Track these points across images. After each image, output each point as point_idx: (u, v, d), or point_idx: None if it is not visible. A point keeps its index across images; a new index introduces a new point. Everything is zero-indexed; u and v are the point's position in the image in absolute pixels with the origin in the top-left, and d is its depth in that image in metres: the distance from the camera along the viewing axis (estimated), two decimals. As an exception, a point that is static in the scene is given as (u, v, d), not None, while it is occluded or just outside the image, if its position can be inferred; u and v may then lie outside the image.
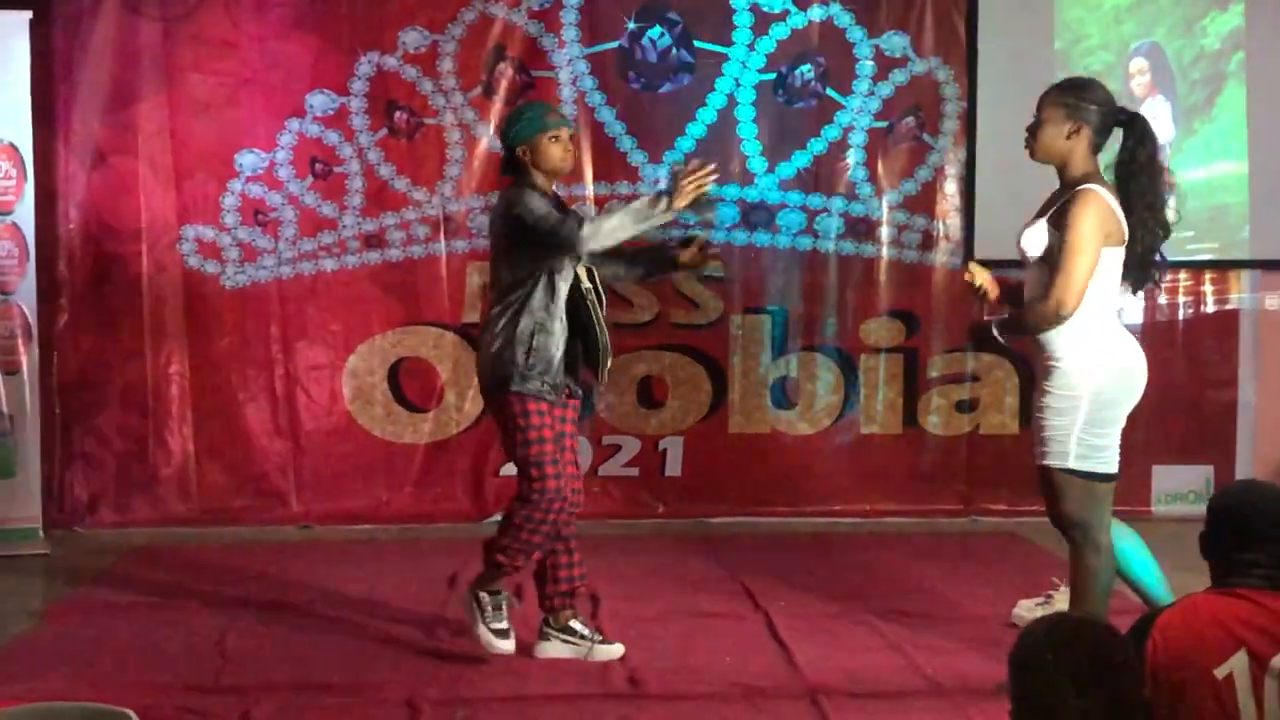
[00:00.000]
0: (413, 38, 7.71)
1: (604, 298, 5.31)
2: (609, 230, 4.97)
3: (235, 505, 7.80)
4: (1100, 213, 4.63)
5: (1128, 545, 5.12)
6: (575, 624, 5.35)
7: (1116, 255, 4.71)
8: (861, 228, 7.96)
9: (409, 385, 7.89)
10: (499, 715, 4.78)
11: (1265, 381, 8.01)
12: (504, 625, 5.22)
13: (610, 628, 5.68)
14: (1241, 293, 7.97)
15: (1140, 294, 5.15)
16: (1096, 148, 4.78)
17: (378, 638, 5.63)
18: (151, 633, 5.72)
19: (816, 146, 7.90)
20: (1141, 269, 4.88)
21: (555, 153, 5.15)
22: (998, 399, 8.05)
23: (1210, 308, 7.99)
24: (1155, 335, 7.77)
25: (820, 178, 7.92)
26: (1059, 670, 2.53)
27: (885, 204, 7.94)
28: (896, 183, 7.93)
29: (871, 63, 7.86)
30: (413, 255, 7.82)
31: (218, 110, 7.69)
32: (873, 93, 7.88)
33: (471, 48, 7.74)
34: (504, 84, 7.78)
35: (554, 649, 5.33)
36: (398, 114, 7.74)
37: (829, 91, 7.88)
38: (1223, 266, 7.93)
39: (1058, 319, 4.64)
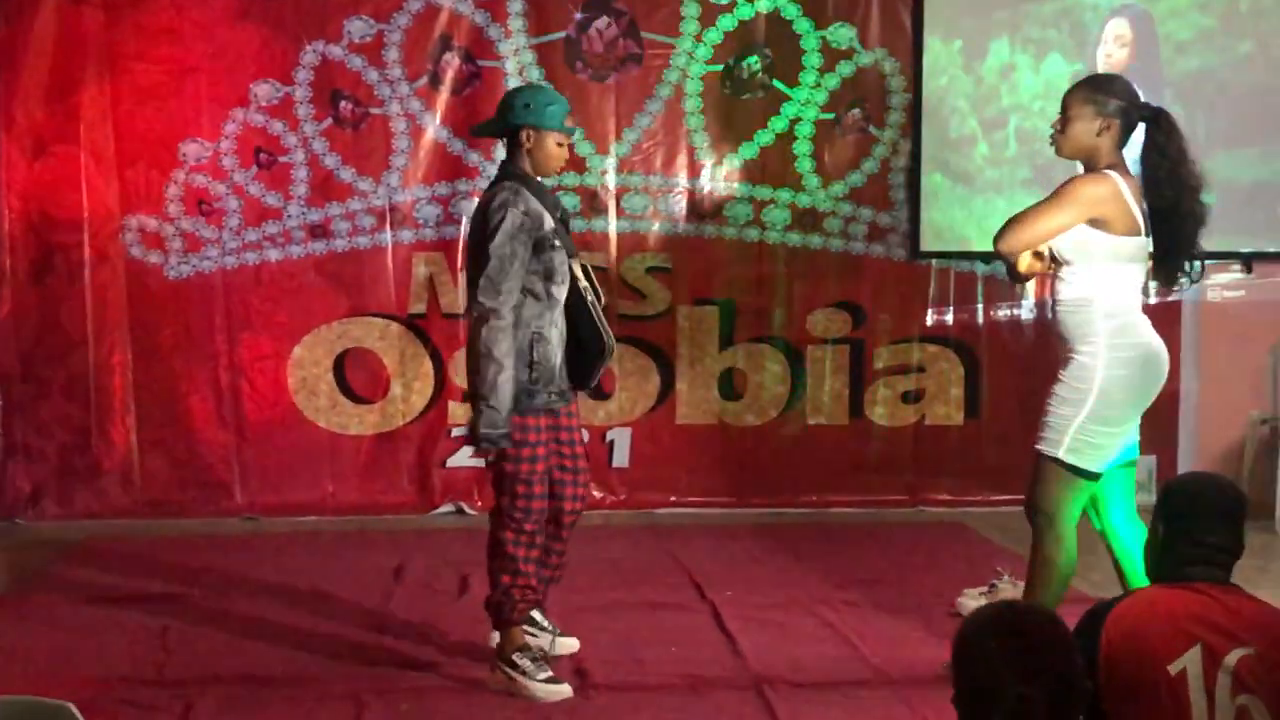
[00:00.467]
0: (358, 27, 7.67)
1: (602, 297, 5.15)
2: (497, 351, 4.71)
3: (179, 497, 7.74)
4: (1100, 193, 4.66)
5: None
6: (537, 615, 5.24)
7: (1125, 246, 4.69)
8: (808, 219, 7.98)
9: (355, 376, 7.85)
10: (443, 707, 4.77)
11: (1206, 373, 8.08)
12: (549, 673, 4.92)
13: (556, 618, 5.66)
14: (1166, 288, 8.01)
15: (1178, 288, 5.14)
16: (1121, 144, 4.80)
17: (322, 631, 5.60)
18: (93, 626, 5.68)
19: (763, 138, 7.91)
20: (1171, 264, 4.88)
21: (557, 156, 4.98)
22: (943, 390, 8.08)
23: (1153, 299, 8.00)
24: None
25: (767, 169, 7.93)
26: (1001, 658, 2.54)
27: (832, 195, 7.96)
28: (843, 174, 7.95)
29: (818, 54, 7.88)
30: (358, 246, 7.78)
31: (161, 99, 7.61)
32: (819, 84, 7.89)
33: (417, 37, 7.70)
34: (450, 74, 7.75)
35: None
36: (343, 104, 7.70)
37: (776, 83, 7.89)
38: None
39: (995, 244, 4.76)
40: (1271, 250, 7.93)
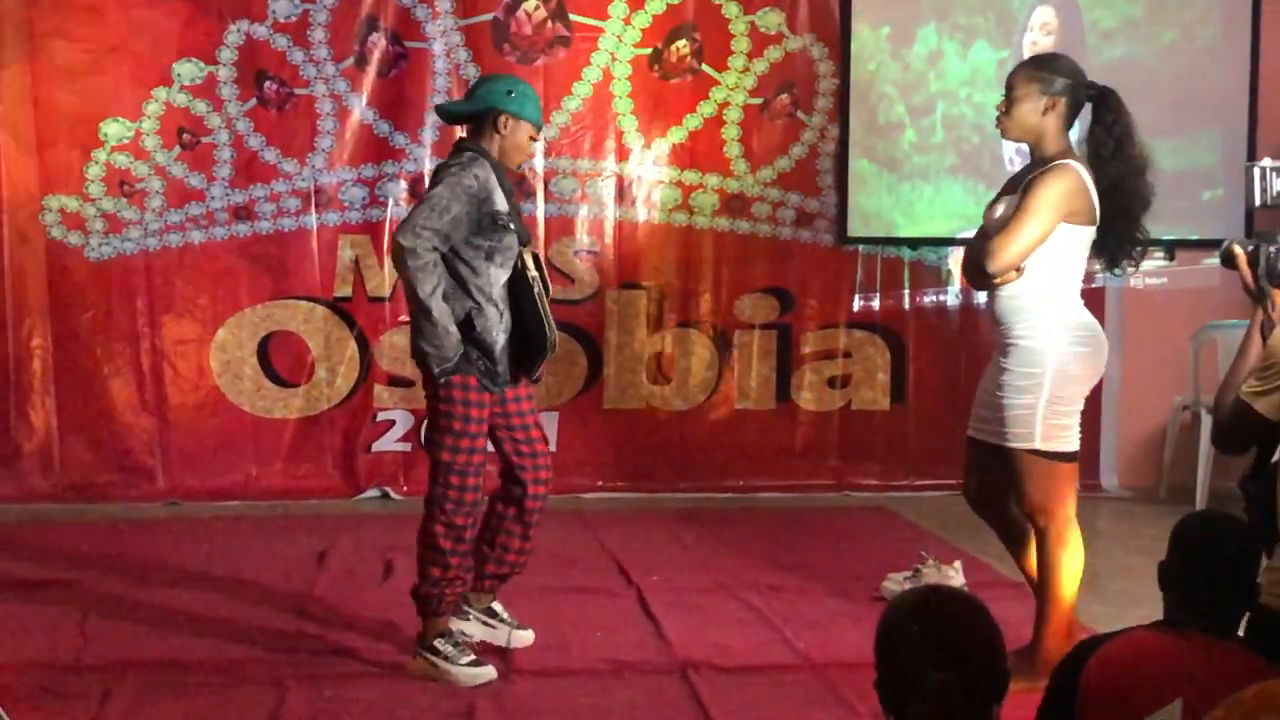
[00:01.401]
0: (283, 6, 7.59)
1: (549, 287, 5.04)
2: (421, 293, 4.64)
3: (100, 481, 7.64)
4: (1069, 187, 4.53)
5: None
6: (496, 606, 5.17)
7: (1084, 234, 4.61)
8: (736, 204, 7.98)
9: (279, 360, 7.78)
10: (367, 694, 4.71)
11: (1130, 359, 8.16)
12: (471, 656, 4.84)
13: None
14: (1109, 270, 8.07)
15: (1119, 271, 5.03)
16: (1068, 124, 4.69)
17: (245, 616, 5.54)
18: (11, 611, 5.58)
19: (692, 122, 7.90)
20: (1118, 246, 4.77)
21: (525, 149, 4.93)
22: (870, 375, 8.12)
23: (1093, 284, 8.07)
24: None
25: (695, 153, 7.92)
26: (922, 642, 2.53)
27: (760, 181, 7.96)
28: (771, 159, 7.96)
29: (747, 39, 7.88)
30: (283, 228, 7.70)
31: (82, 78, 7.51)
32: (748, 69, 7.89)
33: (343, 18, 7.63)
34: (376, 55, 7.69)
35: (471, 629, 5.07)
36: (268, 84, 7.62)
37: (704, 67, 7.88)
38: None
39: (982, 271, 4.55)
40: (1194, 238, 8.02)
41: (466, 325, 4.74)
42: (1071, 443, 4.69)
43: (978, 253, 4.63)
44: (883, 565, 6.16)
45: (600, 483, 7.97)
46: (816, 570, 6.31)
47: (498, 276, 4.82)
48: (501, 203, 4.79)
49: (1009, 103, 4.68)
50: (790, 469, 8.05)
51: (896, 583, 5.78)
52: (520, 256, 4.89)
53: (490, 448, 4.99)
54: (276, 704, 4.59)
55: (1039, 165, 4.64)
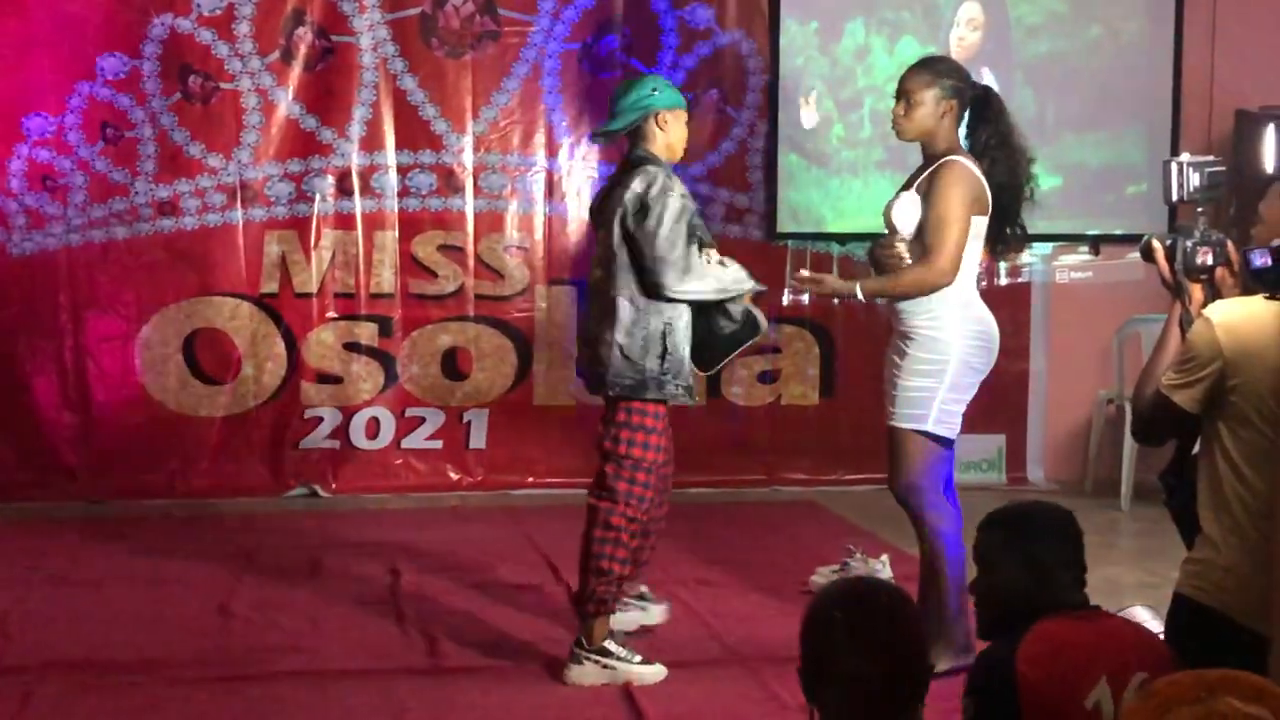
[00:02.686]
0: (208, 0, 7.51)
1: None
2: (695, 291, 4.74)
3: (20, 480, 7.50)
4: (968, 183, 4.72)
5: None
6: (643, 588, 5.31)
7: (981, 224, 4.79)
8: (666, 199, 7.96)
9: (205, 357, 7.70)
10: (294, 692, 4.68)
11: (1054, 353, 8.23)
12: (640, 655, 4.80)
13: (410, 601, 5.63)
14: (1034, 265, 8.15)
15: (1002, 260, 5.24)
16: (959, 122, 4.87)
17: (170, 615, 5.49)
18: (-70, 613, 5.51)
19: (621, 118, 7.87)
20: (1000, 235, 4.98)
21: (684, 133, 4.95)
22: (799, 370, 8.14)
23: (1003, 280, 8.15)
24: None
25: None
26: (843, 628, 2.53)
27: (690, 176, 7.95)
28: (701, 155, 7.96)
29: (676, 35, 7.87)
30: (208, 224, 7.62)
31: (3, 72, 7.40)
32: (677, 64, 7.89)
33: (269, 12, 7.56)
34: (303, 49, 7.62)
35: (629, 618, 5.15)
36: (192, 78, 7.54)
37: (634, 63, 7.87)
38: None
39: (936, 287, 4.71)
40: (1119, 233, 8.09)
41: (660, 343, 4.74)
42: (954, 430, 4.89)
43: (912, 282, 4.74)
44: (811, 559, 6.19)
45: (530, 479, 7.94)
46: (745, 565, 6.33)
47: None
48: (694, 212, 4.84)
49: (908, 106, 4.81)
50: (720, 464, 8.04)
51: (824, 576, 5.81)
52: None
53: None
54: (203, 704, 4.55)
55: (930, 162, 4.82)
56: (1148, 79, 8.06)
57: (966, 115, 4.92)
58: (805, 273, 5.06)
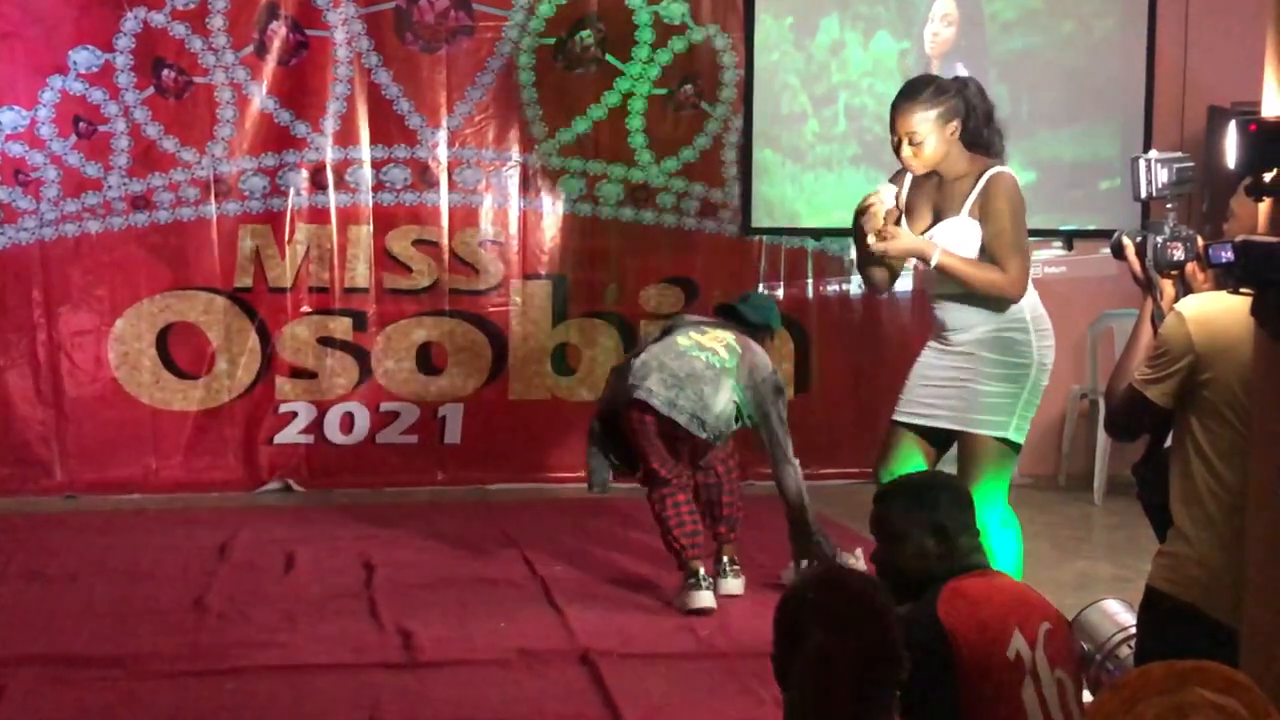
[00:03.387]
0: (182, -7, 7.49)
1: None
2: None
3: (-4, 474, 7.50)
4: (1019, 190, 4.77)
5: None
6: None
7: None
8: (641, 195, 7.98)
9: (178, 351, 7.68)
10: (270, 687, 4.67)
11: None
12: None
13: (384, 596, 5.63)
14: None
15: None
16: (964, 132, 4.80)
17: (144, 610, 5.47)
18: (-98, 608, 5.48)
19: (596, 113, 7.89)
20: None
21: None
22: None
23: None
24: (920, 302, 7.92)
25: (600, 144, 7.91)
26: (815, 607, 2.56)
27: (664, 171, 7.97)
28: (675, 150, 7.96)
29: (651, 29, 7.87)
30: (182, 218, 7.60)
31: (-26, 65, 7.37)
32: (652, 59, 7.89)
33: (243, 6, 7.53)
34: (277, 43, 7.60)
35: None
36: (166, 72, 7.51)
37: (609, 57, 7.87)
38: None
39: (1004, 299, 4.67)
40: (1092, 228, 8.12)
41: None
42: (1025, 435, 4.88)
43: (993, 285, 4.67)
44: (784, 553, 6.18)
45: (505, 474, 7.93)
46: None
47: None
48: None
49: (914, 146, 4.70)
50: (695, 459, 8.04)
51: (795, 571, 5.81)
52: None
53: None
54: (177, 698, 4.55)
55: (960, 178, 4.75)
56: (1121, 75, 8.08)
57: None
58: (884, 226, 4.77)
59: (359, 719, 4.39)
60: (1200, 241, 3.72)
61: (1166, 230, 3.72)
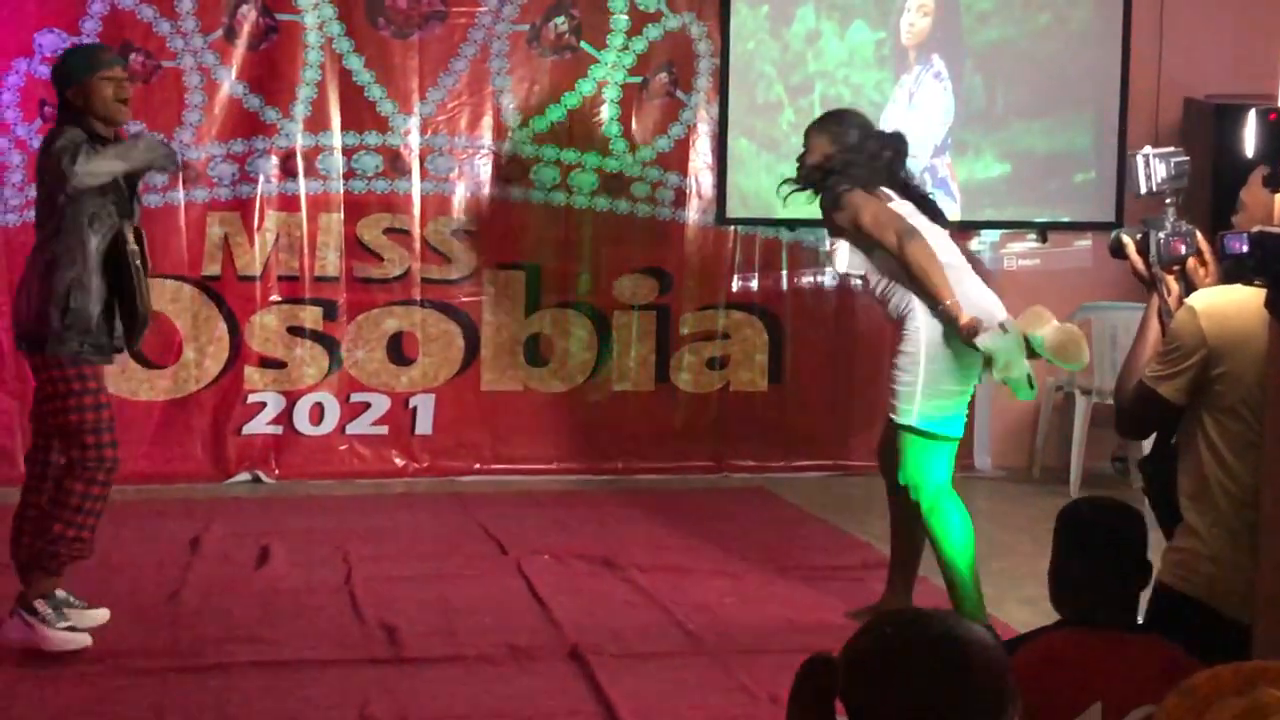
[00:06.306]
0: (150, -25, 7.36)
1: (148, 263, 5.07)
2: (98, 168, 4.74)
3: (-44, 466, 7.36)
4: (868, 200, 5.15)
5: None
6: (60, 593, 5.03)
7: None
8: (615, 184, 7.91)
9: (146, 340, 7.52)
10: (252, 684, 4.59)
11: (1004, 339, 8.23)
12: (71, 621, 4.86)
13: (364, 590, 5.54)
14: (982, 252, 8.13)
15: None
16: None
17: (119, 605, 5.34)
18: None
19: (570, 100, 7.81)
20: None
21: (108, 92, 4.90)
22: (748, 356, 8.10)
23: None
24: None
25: (574, 132, 7.84)
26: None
27: (639, 160, 7.90)
28: (650, 139, 7.90)
29: (626, 17, 7.80)
30: (149, 204, 7.41)
31: (-64, 47, 7.23)
32: (627, 47, 7.82)
33: (212, -11, 7.43)
34: (246, 27, 7.49)
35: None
36: (133, 56, 7.37)
37: (583, 45, 7.80)
38: (968, 227, 8.03)
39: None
40: (1066, 220, 8.11)
41: (65, 299, 4.80)
42: (946, 426, 5.10)
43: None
44: (765, 546, 6.19)
45: (477, 465, 7.85)
46: (700, 552, 6.29)
47: (93, 244, 4.85)
48: None
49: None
50: (669, 450, 7.99)
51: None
52: (120, 230, 4.92)
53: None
54: (159, 696, 4.46)
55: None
56: (1096, 66, 8.08)
57: None
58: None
59: (349, 717, 4.31)
60: (1200, 236, 3.69)
61: (1168, 226, 3.69)
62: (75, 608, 5.01)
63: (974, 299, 5.03)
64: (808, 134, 5.38)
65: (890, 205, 5.08)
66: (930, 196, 5.44)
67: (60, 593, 4.99)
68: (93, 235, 4.82)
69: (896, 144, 5.30)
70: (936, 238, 5.09)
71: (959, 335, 4.90)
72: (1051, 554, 3.11)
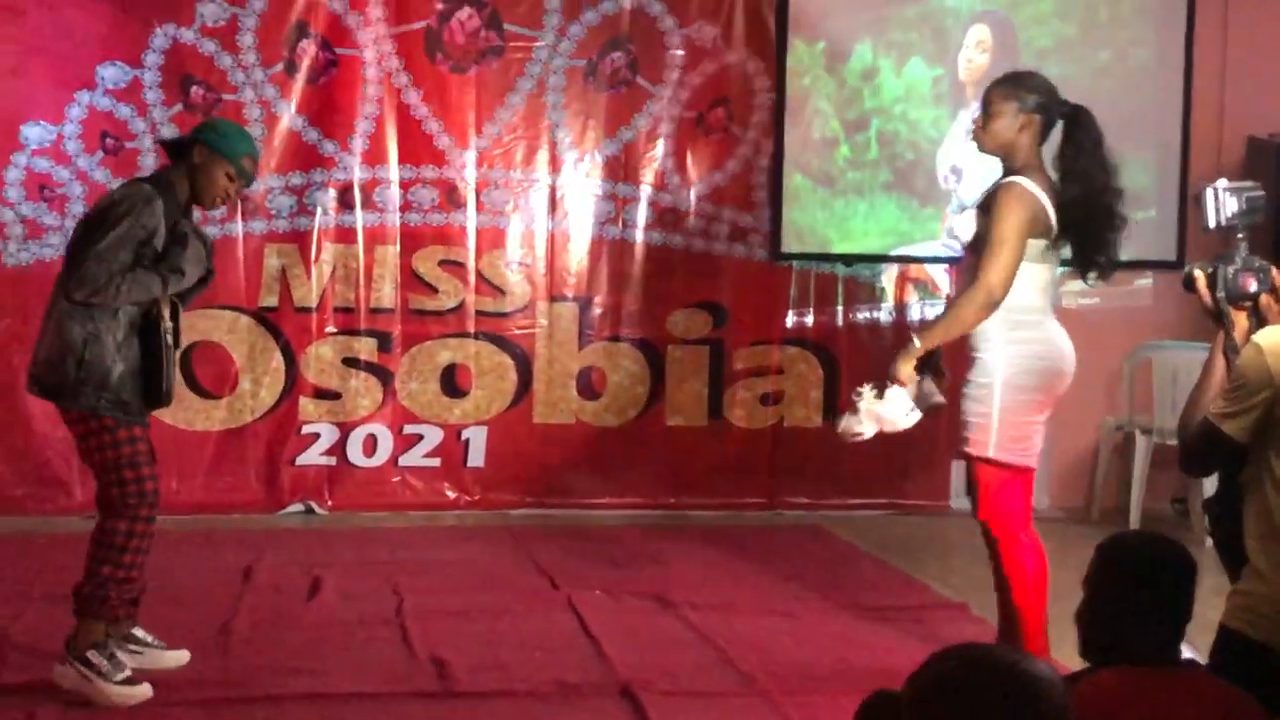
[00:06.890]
0: (211, 10, 7.42)
1: (179, 341, 4.87)
2: (131, 297, 4.58)
3: (16, 494, 7.39)
4: (1025, 204, 4.64)
5: None
6: (139, 631, 4.97)
7: (1037, 246, 4.70)
8: (670, 218, 7.91)
9: (202, 370, 7.59)
10: (301, 715, 4.56)
11: (1061, 378, 8.16)
12: (128, 673, 4.67)
13: (415, 623, 5.52)
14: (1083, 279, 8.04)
15: (1095, 283, 5.14)
16: (1041, 140, 4.80)
17: (173, 635, 5.32)
18: (-75, 629, 5.38)
19: (626, 135, 7.82)
20: (1086, 260, 4.90)
21: (219, 185, 4.78)
22: (802, 392, 8.06)
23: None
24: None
25: (629, 166, 7.84)
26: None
27: (694, 194, 7.89)
28: (705, 173, 7.89)
29: (681, 52, 7.81)
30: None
31: (2, 80, 7.28)
32: (683, 82, 7.83)
33: (273, 23, 7.48)
34: (306, 62, 7.54)
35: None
36: (194, 89, 7.44)
37: (639, 80, 7.81)
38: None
39: (987, 305, 4.64)
40: (1126, 259, 8.01)
41: (81, 350, 4.61)
42: (1023, 457, 4.86)
43: (966, 302, 4.70)
44: (818, 585, 6.11)
45: (529, 499, 7.84)
46: (752, 589, 6.24)
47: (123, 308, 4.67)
48: None
49: (986, 118, 4.79)
50: (722, 486, 7.96)
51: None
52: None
53: None
54: (209, 727, 4.44)
55: (1006, 176, 4.77)
56: (1157, 105, 8.01)
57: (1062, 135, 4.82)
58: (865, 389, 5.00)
59: (397, 750, 4.28)
60: (1276, 272, 3.63)
61: (1238, 261, 3.64)
62: (155, 648, 4.96)
63: (1057, 344, 4.85)
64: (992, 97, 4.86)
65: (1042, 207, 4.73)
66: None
67: (139, 631, 4.95)
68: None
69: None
70: (1041, 275, 4.81)
71: (890, 367, 4.84)
72: (1087, 588, 3.01)
